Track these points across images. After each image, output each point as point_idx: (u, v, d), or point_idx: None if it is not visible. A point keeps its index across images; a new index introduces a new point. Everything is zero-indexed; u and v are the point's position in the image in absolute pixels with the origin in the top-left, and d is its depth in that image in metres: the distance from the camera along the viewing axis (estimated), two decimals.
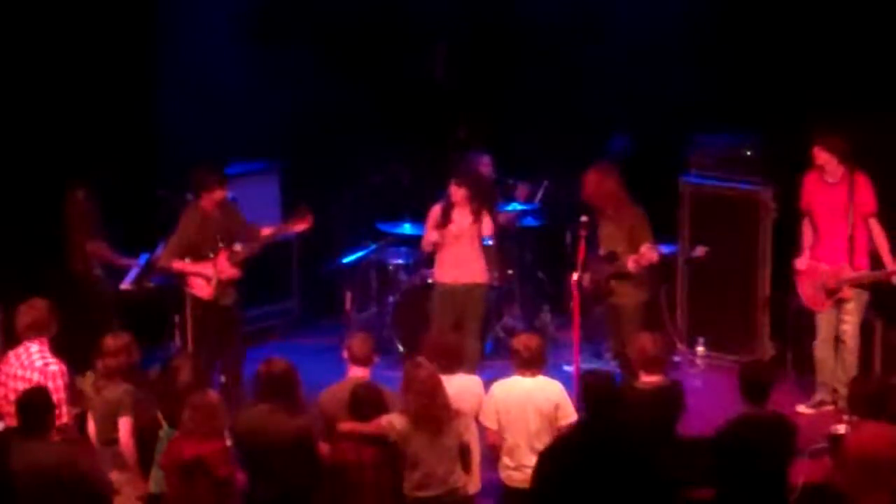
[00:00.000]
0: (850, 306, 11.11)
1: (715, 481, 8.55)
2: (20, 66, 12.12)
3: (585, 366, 10.97)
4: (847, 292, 11.07)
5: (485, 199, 11.85)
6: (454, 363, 9.26)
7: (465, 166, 12.19)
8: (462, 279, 11.60)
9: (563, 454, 8.17)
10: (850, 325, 11.14)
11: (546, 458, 8.24)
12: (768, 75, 12.55)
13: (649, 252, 10.82)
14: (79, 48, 12.35)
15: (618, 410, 8.26)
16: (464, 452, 8.87)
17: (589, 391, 8.29)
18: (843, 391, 11.10)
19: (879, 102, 11.50)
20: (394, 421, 8.65)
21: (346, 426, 8.72)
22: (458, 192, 11.56)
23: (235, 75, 13.30)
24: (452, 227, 11.58)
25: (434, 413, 8.65)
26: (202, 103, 12.89)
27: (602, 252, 11.14)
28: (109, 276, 11.94)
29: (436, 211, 11.69)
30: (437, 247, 11.70)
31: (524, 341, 9.18)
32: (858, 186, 10.93)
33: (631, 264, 10.93)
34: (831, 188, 11.04)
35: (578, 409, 8.81)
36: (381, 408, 8.75)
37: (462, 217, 11.60)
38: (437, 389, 8.71)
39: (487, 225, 11.66)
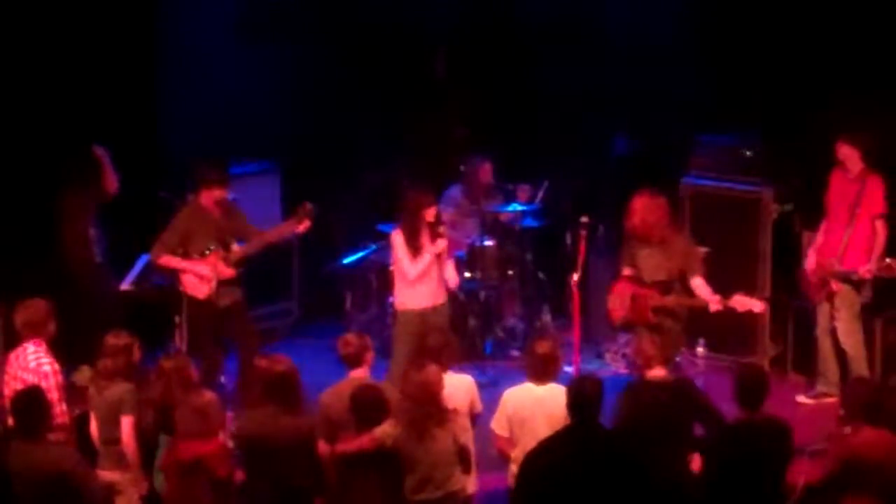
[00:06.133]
0: (837, 302, 11.15)
1: (712, 486, 8.55)
2: (22, 64, 12.13)
3: (586, 367, 10.99)
4: (835, 286, 11.11)
5: None
6: (442, 363, 9.12)
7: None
8: None
9: (546, 459, 8.12)
10: (840, 323, 11.18)
11: (529, 462, 8.20)
12: (768, 76, 12.56)
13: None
14: (80, 49, 12.37)
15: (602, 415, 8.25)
16: (462, 454, 8.81)
17: (574, 396, 8.26)
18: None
19: (880, 102, 11.50)
20: (387, 429, 8.60)
21: (344, 447, 8.67)
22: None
23: (235, 75, 13.32)
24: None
25: (425, 416, 8.58)
26: (203, 103, 12.91)
27: (646, 279, 10.68)
28: (111, 269, 11.98)
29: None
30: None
31: (543, 348, 9.13)
32: (870, 186, 11.00)
33: (741, 305, 10.39)
34: (848, 184, 11.12)
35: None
36: (382, 408, 8.70)
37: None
38: (432, 393, 8.64)
39: None
